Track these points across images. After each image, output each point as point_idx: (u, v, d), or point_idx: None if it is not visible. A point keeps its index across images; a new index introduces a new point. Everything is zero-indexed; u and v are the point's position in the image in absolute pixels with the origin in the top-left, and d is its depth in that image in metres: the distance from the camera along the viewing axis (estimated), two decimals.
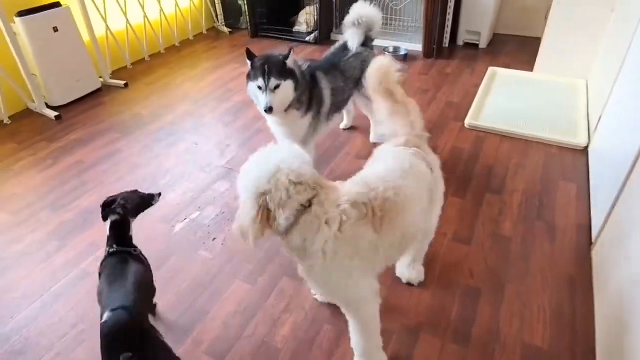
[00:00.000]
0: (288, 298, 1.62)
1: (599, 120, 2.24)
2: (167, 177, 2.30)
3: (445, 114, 2.73)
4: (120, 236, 1.33)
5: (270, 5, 4.03)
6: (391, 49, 3.49)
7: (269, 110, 1.75)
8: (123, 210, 1.34)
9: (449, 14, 3.45)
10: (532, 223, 1.89)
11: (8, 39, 2.70)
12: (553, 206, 1.98)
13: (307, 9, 4.03)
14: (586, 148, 2.32)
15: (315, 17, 3.84)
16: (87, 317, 1.58)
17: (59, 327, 1.56)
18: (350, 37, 2.17)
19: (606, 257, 1.57)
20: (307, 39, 3.90)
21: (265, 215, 1.03)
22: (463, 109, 2.74)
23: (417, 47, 3.54)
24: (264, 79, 1.72)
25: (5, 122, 2.86)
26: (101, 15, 3.25)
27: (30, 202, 2.16)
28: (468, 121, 2.58)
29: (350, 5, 4.08)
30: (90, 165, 2.43)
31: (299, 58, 1.93)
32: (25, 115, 2.97)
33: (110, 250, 1.30)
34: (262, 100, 1.76)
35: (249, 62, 1.78)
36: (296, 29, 4.06)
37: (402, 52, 3.45)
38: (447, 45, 3.64)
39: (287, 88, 1.76)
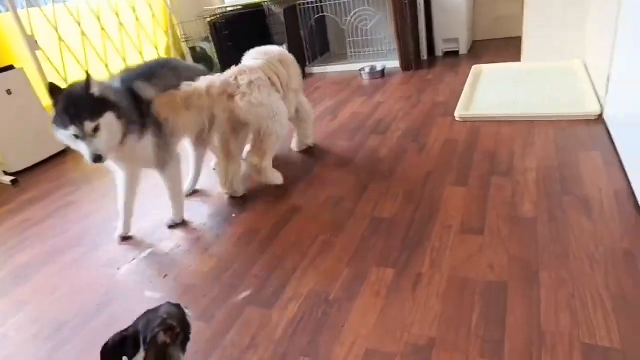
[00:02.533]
0: (253, 330, 1.21)
1: (607, 85, 1.93)
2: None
3: (432, 112, 2.43)
4: None
5: (239, 51, 3.93)
6: (367, 69, 3.30)
7: (98, 159, 1.40)
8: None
9: (419, 24, 3.29)
10: (558, 199, 1.50)
11: None
12: (578, 177, 1.60)
13: None
14: (600, 116, 1.99)
15: None
16: None
17: None
18: None
19: None
20: None
21: None
22: (451, 105, 2.45)
23: (394, 63, 3.35)
24: (75, 125, 1.35)
25: None
26: (60, 75, 3.13)
27: None
28: (458, 113, 2.27)
29: (321, 39, 4.02)
30: (37, 222, 2.11)
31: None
32: None
33: None
34: (84, 150, 1.39)
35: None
36: None
37: (379, 68, 3.25)
38: (425, 58, 3.45)
39: (110, 123, 1.40)
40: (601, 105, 2.00)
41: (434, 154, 1.97)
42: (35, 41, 2.94)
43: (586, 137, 1.87)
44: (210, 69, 4.20)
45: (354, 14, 3.50)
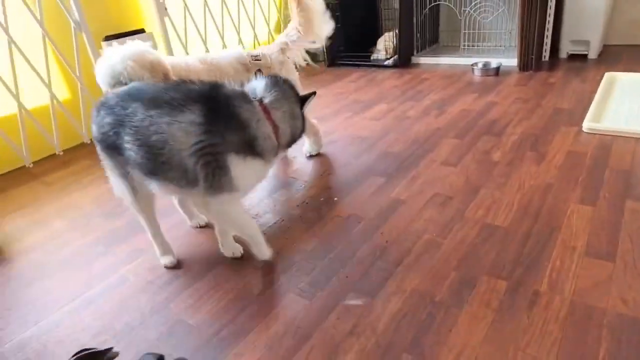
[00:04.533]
0: (354, 318, 1.21)
1: None
2: None
3: (554, 120, 2.24)
4: None
5: (348, 35, 3.92)
6: (480, 65, 3.11)
7: None
8: None
9: (548, 22, 3.02)
10: None
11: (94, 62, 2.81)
12: None
13: (386, 36, 3.85)
14: None
15: (395, 42, 3.64)
16: (112, 327, 1.31)
17: (80, 335, 1.30)
18: None
19: None
20: (386, 63, 3.68)
21: None
22: (576, 114, 2.23)
23: (511, 61, 3.13)
24: None
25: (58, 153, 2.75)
26: (182, 44, 3.34)
27: (86, 212, 2.05)
28: (587, 124, 2.06)
29: (432, 29, 3.86)
30: None
31: None
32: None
33: None
34: None
35: None
36: (374, 56, 3.89)
37: (494, 66, 3.05)
38: (546, 59, 3.17)
39: None
40: None
41: (556, 166, 1.81)
42: (165, 8, 3.16)
43: None
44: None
45: (474, 5, 3.31)
